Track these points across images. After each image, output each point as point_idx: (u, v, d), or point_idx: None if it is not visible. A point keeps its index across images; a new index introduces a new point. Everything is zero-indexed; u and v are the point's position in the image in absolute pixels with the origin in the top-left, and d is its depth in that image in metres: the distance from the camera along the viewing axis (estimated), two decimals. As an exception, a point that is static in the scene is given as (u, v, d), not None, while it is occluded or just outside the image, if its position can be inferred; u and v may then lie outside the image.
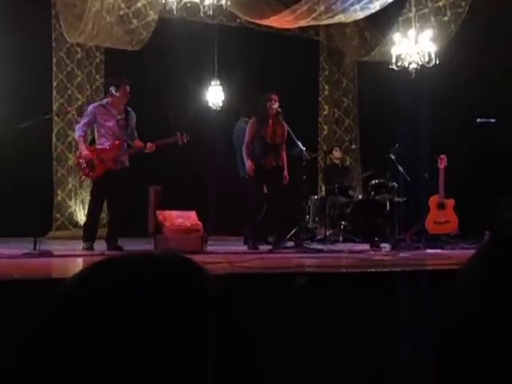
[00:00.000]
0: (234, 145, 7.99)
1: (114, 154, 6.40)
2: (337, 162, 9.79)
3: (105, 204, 6.76)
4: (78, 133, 6.55)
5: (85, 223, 6.78)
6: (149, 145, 6.61)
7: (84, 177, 6.77)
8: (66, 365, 0.61)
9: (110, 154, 6.39)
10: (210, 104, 9.97)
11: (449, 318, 0.77)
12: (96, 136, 6.54)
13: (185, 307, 0.64)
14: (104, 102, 6.54)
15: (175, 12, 6.99)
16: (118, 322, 0.62)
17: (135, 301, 0.63)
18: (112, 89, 6.42)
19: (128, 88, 6.46)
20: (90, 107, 6.61)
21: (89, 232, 6.44)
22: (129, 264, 0.68)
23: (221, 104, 9.95)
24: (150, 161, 9.29)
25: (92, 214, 6.62)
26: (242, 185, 7.44)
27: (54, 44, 9.31)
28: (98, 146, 6.45)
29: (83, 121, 6.58)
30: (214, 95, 9.95)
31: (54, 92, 9.28)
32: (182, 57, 9.30)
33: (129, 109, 6.51)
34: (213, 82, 9.95)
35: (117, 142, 6.44)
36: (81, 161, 6.42)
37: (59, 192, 9.30)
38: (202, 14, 7.12)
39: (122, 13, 8.01)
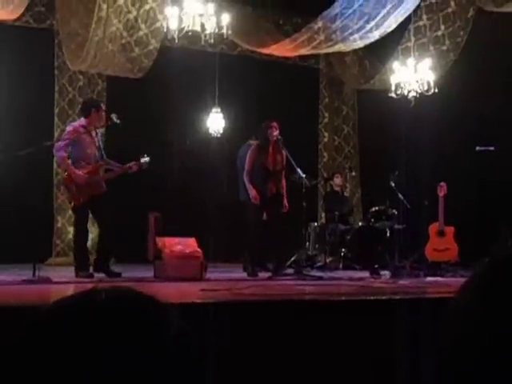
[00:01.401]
0: (237, 168, 7.96)
1: (98, 177, 6.37)
2: (337, 189, 9.81)
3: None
4: (59, 153, 6.22)
5: (77, 252, 6.42)
6: (131, 165, 6.48)
7: (73, 203, 6.24)
8: None
9: (95, 177, 6.31)
10: (211, 131, 10.03)
11: (447, 341, 0.77)
12: (75, 158, 6.25)
13: (145, 346, 0.66)
14: (83, 122, 6.37)
15: (177, 40, 7.07)
16: (77, 358, 0.63)
17: (94, 340, 0.65)
18: (93, 110, 6.37)
19: (103, 111, 6.48)
20: (71, 127, 6.38)
21: (84, 261, 6.27)
22: (93, 303, 0.70)
23: (221, 131, 10.01)
24: (149, 187, 9.33)
25: (83, 242, 6.46)
26: (242, 210, 7.44)
27: (56, 71, 9.40)
28: (84, 170, 6.22)
29: (64, 141, 6.24)
30: (215, 122, 10.01)
31: (56, 119, 9.33)
32: (183, 84, 9.38)
33: (96, 130, 6.46)
34: (213, 110, 10.01)
35: (98, 165, 6.38)
36: (71, 186, 6.18)
37: (59, 218, 9.30)
38: (203, 43, 7.20)
39: (124, 41, 8.09)
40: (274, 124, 7.02)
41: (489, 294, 0.75)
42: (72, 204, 6.28)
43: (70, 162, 6.23)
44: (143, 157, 6.53)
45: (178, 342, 0.68)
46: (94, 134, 6.38)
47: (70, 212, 9.35)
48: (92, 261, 6.41)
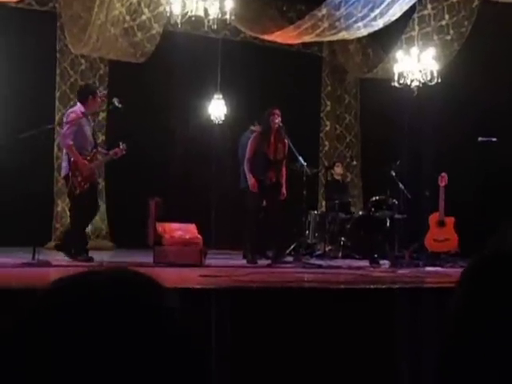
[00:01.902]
0: (239, 155, 7.94)
1: (96, 164, 6.39)
2: (338, 177, 9.80)
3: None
4: (66, 141, 6.16)
5: (77, 237, 6.36)
6: (116, 150, 6.51)
7: (78, 190, 6.18)
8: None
9: (94, 164, 6.36)
10: (213, 117, 10.00)
11: (446, 333, 0.78)
12: (78, 145, 6.22)
13: (145, 325, 0.65)
14: (82, 108, 6.35)
15: (179, 25, 7.03)
16: (75, 336, 0.63)
17: (94, 320, 0.64)
18: (90, 97, 6.37)
19: (100, 95, 6.48)
20: (74, 113, 6.31)
21: (82, 245, 6.30)
22: (91, 283, 0.70)
23: (223, 118, 9.99)
24: (151, 173, 9.33)
25: (84, 227, 6.51)
26: (242, 197, 7.45)
27: (58, 55, 9.36)
28: (87, 157, 6.24)
29: (70, 128, 6.18)
30: (217, 109, 9.98)
31: (57, 102, 9.31)
32: (186, 70, 9.35)
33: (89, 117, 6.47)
34: (215, 96, 9.99)
35: (95, 151, 6.42)
36: (77, 174, 6.17)
37: (59, 202, 9.30)
38: (206, 28, 7.17)
39: (126, 25, 8.05)
40: (277, 111, 7.00)
41: (485, 287, 0.75)
42: (77, 191, 6.22)
43: (75, 149, 6.19)
44: (121, 144, 6.53)
45: (176, 325, 0.68)
46: (90, 119, 6.41)
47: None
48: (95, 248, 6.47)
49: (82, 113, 6.30)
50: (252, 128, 7.50)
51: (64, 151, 6.36)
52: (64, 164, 6.33)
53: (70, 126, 6.20)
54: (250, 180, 6.93)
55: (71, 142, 6.17)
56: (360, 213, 9.35)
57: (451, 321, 0.77)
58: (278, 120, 6.95)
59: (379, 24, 8.62)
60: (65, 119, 6.33)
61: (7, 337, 0.66)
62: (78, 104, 6.50)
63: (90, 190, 6.29)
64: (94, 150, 6.40)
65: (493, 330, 0.71)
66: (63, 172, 6.38)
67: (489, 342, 0.71)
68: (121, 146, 6.51)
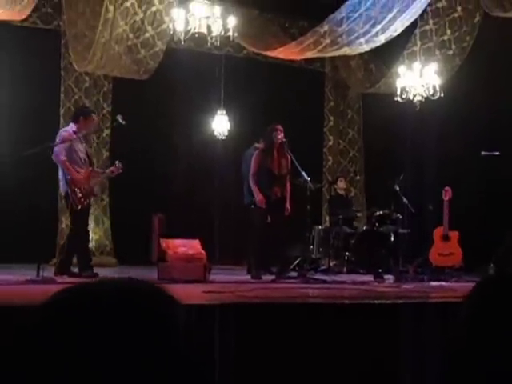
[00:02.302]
0: (242, 171, 7.96)
1: (91, 182, 6.44)
2: (341, 192, 9.80)
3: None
4: (60, 157, 6.21)
5: (80, 254, 6.42)
6: (112, 168, 6.65)
7: (79, 206, 6.26)
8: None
9: (90, 181, 6.41)
10: (216, 133, 10.04)
11: (451, 350, 0.78)
12: (70, 163, 6.30)
13: (151, 334, 0.66)
14: (74, 128, 6.47)
15: (183, 42, 7.08)
16: (78, 348, 0.64)
17: (101, 327, 0.65)
18: (81, 118, 6.48)
19: (95, 118, 6.57)
20: (66, 132, 6.41)
21: (86, 261, 6.36)
22: (99, 291, 0.70)
23: (226, 133, 10.02)
24: (154, 189, 9.35)
25: (85, 244, 6.58)
26: (247, 213, 7.45)
27: (62, 72, 9.43)
28: (80, 176, 6.32)
29: (62, 145, 6.26)
30: (220, 124, 10.02)
31: (62, 120, 9.36)
32: (189, 86, 9.40)
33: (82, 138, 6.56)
34: (219, 112, 10.03)
35: (90, 170, 6.48)
36: (76, 189, 6.24)
37: (63, 219, 9.31)
38: (209, 45, 7.22)
39: (130, 43, 8.11)
40: (279, 127, 7.03)
41: (489, 307, 0.76)
42: (79, 207, 6.27)
43: (69, 164, 6.28)
44: (118, 162, 6.64)
45: (183, 334, 0.68)
46: (83, 140, 6.52)
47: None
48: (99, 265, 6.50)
49: (74, 132, 6.39)
50: (256, 145, 7.52)
51: (59, 170, 6.39)
52: (61, 182, 6.38)
53: (62, 143, 6.29)
54: (258, 196, 6.93)
55: (64, 158, 6.24)
56: (364, 227, 9.34)
57: (458, 336, 0.77)
58: (280, 136, 6.97)
59: (381, 40, 8.67)
60: (57, 138, 6.37)
61: (12, 348, 0.67)
62: (71, 124, 6.61)
63: (87, 205, 6.36)
64: (90, 169, 6.46)
65: (500, 347, 0.72)
66: (62, 190, 6.43)
67: (494, 359, 0.71)
68: (117, 165, 6.59)
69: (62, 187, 6.38)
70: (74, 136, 6.33)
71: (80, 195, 6.25)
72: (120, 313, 0.66)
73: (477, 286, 0.81)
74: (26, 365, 0.65)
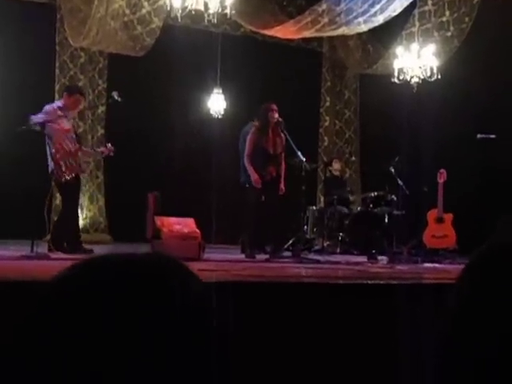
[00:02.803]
0: (239, 149, 7.92)
1: (77, 158, 6.39)
2: (337, 173, 9.80)
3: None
4: (39, 119, 6.13)
5: (64, 228, 6.39)
6: (102, 149, 6.67)
7: (63, 178, 6.23)
8: (51, 359, 0.62)
9: (74, 156, 6.36)
10: (212, 112, 10.00)
11: (446, 329, 0.78)
12: (55, 138, 6.24)
13: (165, 305, 0.65)
14: (59, 103, 6.47)
15: (179, 19, 7.01)
16: (100, 319, 0.63)
17: (117, 298, 0.64)
18: (65, 94, 6.48)
19: (80, 99, 6.49)
20: (51, 107, 6.35)
21: (77, 238, 6.36)
22: (114, 263, 0.69)
23: (222, 112, 9.98)
24: (150, 167, 9.32)
25: (76, 220, 6.62)
26: (242, 192, 7.44)
27: (57, 47, 9.34)
28: (64, 149, 6.25)
29: (44, 115, 6.19)
30: (216, 103, 9.98)
31: (56, 95, 9.29)
32: (185, 64, 9.33)
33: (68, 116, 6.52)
34: (215, 90, 9.98)
35: (77, 146, 6.45)
36: (61, 162, 6.21)
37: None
38: (206, 22, 7.14)
39: (126, 19, 8.04)
40: (274, 107, 6.99)
41: (486, 282, 0.75)
42: (62, 179, 6.24)
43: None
44: (108, 145, 6.65)
45: (197, 303, 0.68)
46: (69, 117, 6.48)
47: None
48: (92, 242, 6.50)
49: (59, 107, 6.36)
50: (253, 123, 7.48)
51: (47, 146, 6.32)
52: (49, 159, 6.33)
53: (43, 113, 6.24)
54: (253, 176, 6.93)
55: (41, 120, 6.17)
56: (358, 208, 9.36)
57: (452, 316, 0.77)
58: (276, 115, 6.94)
59: (379, 20, 8.61)
60: (42, 111, 6.31)
61: (25, 326, 0.66)
62: (57, 101, 6.66)
63: (74, 181, 6.33)
64: (78, 146, 6.44)
65: (496, 324, 0.71)
66: (50, 169, 6.37)
67: (491, 336, 0.71)
68: (108, 147, 6.58)
69: (50, 164, 6.33)
70: (59, 112, 6.28)
71: (64, 168, 6.22)
72: (134, 284, 0.66)
73: (473, 258, 0.81)
74: (38, 343, 0.64)
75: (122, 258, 0.70)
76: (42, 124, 6.17)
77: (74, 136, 6.50)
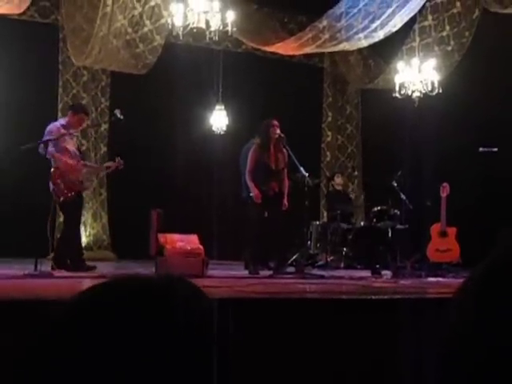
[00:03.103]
0: (240, 165, 7.94)
1: (79, 175, 6.41)
2: (339, 188, 9.81)
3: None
4: (49, 149, 6.15)
5: (65, 247, 6.41)
6: (110, 163, 6.68)
7: (62, 198, 6.25)
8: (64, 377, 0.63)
9: (77, 174, 6.39)
10: (214, 128, 10.03)
11: (448, 344, 0.78)
12: (56, 156, 6.29)
13: (178, 326, 0.66)
14: (62, 121, 6.52)
15: (181, 37, 7.07)
16: (113, 340, 0.64)
17: (131, 322, 0.65)
18: (70, 112, 6.51)
19: (85, 118, 6.56)
20: (54, 127, 6.39)
21: (80, 255, 6.36)
22: (129, 287, 0.70)
23: (224, 128, 10.01)
24: (153, 184, 9.34)
25: (78, 237, 6.63)
26: (244, 208, 7.45)
27: (60, 66, 9.41)
28: (67, 167, 6.29)
29: (49, 137, 6.22)
30: (218, 119, 10.01)
31: (59, 114, 9.33)
32: (187, 81, 9.38)
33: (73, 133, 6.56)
34: (217, 107, 10.02)
35: (80, 164, 6.48)
36: (58, 181, 6.23)
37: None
38: (207, 40, 7.20)
39: (128, 37, 8.10)
40: (275, 123, 7.01)
41: (488, 296, 0.75)
42: (61, 199, 6.26)
43: (58, 155, 6.29)
44: (118, 159, 6.62)
45: (214, 330, 0.69)
46: (73, 135, 6.52)
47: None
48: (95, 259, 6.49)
49: (63, 125, 6.40)
50: (254, 140, 7.51)
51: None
52: (50, 183, 6.34)
53: (48, 136, 6.27)
54: (254, 190, 6.94)
55: (53, 148, 6.22)
56: (362, 223, 9.35)
57: (454, 330, 0.77)
58: (277, 131, 6.96)
59: (380, 35, 8.66)
60: (45, 132, 6.34)
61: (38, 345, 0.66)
62: (60, 119, 6.73)
63: (75, 199, 6.32)
64: (81, 162, 6.47)
65: (499, 339, 0.71)
66: (50, 187, 6.38)
67: (494, 351, 0.71)
68: (116, 160, 6.58)
69: (50, 183, 6.34)
70: (62, 130, 6.32)
71: (62, 186, 6.23)
72: (149, 310, 0.67)
73: (477, 272, 0.81)
74: (52, 361, 0.65)
75: (136, 281, 0.71)
76: (45, 143, 6.19)
77: (78, 153, 6.53)
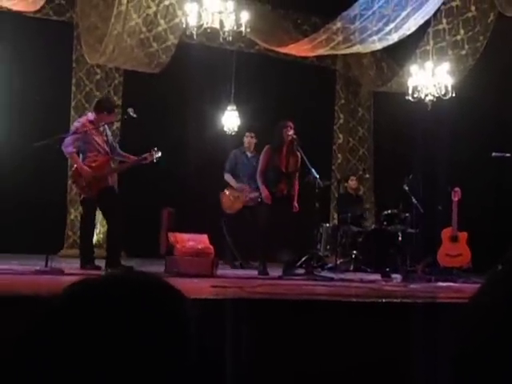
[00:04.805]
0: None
1: (106, 171, 6.41)
2: (351, 191, 9.78)
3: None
4: (68, 149, 6.20)
5: (83, 246, 6.43)
6: (145, 156, 6.54)
7: (82, 196, 6.37)
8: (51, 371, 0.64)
9: (103, 170, 6.36)
10: (226, 129, 10.03)
11: (462, 348, 0.77)
12: (84, 152, 6.31)
13: (159, 328, 0.66)
14: (91, 117, 6.44)
15: (195, 37, 7.08)
16: (94, 339, 0.65)
17: (110, 321, 0.66)
18: (105, 112, 6.40)
19: (116, 116, 6.58)
20: (79, 123, 6.40)
21: (89, 254, 6.32)
22: (105, 286, 0.71)
23: (236, 129, 10.01)
24: (164, 183, 9.36)
25: (89, 236, 6.57)
26: (254, 208, 7.44)
27: (74, 64, 9.45)
28: (93, 164, 6.29)
29: (72, 136, 6.25)
30: (230, 120, 10.01)
31: (72, 112, 9.39)
32: (200, 81, 9.40)
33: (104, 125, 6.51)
34: (229, 107, 10.02)
35: (107, 158, 6.44)
36: (80, 180, 6.24)
37: (72, 211, 9.35)
38: (221, 40, 7.20)
39: (142, 36, 8.12)
40: (290, 124, 7.00)
41: (505, 299, 0.75)
42: (81, 197, 6.35)
43: (77, 156, 6.29)
44: (155, 150, 6.55)
45: (190, 328, 0.69)
46: (101, 128, 6.43)
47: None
48: (104, 257, 6.45)
49: (90, 121, 6.36)
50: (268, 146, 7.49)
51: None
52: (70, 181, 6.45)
53: (74, 134, 6.28)
54: (264, 192, 6.94)
55: (73, 150, 6.23)
56: (372, 226, 9.32)
57: (467, 335, 0.76)
58: (291, 132, 6.95)
59: (394, 38, 8.64)
60: (71, 129, 6.41)
61: (25, 340, 0.67)
62: (89, 114, 6.60)
63: (98, 197, 6.28)
64: (108, 157, 6.44)
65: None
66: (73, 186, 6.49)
67: (507, 356, 0.71)
68: (154, 154, 6.51)
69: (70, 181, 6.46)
70: (90, 126, 6.30)
71: (84, 184, 6.24)
72: (128, 307, 0.67)
73: (491, 278, 0.80)
74: (39, 354, 0.66)
75: (107, 281, 0.72)
76: (62, 140, 6.19)
77: (106, 147, 6.44)
